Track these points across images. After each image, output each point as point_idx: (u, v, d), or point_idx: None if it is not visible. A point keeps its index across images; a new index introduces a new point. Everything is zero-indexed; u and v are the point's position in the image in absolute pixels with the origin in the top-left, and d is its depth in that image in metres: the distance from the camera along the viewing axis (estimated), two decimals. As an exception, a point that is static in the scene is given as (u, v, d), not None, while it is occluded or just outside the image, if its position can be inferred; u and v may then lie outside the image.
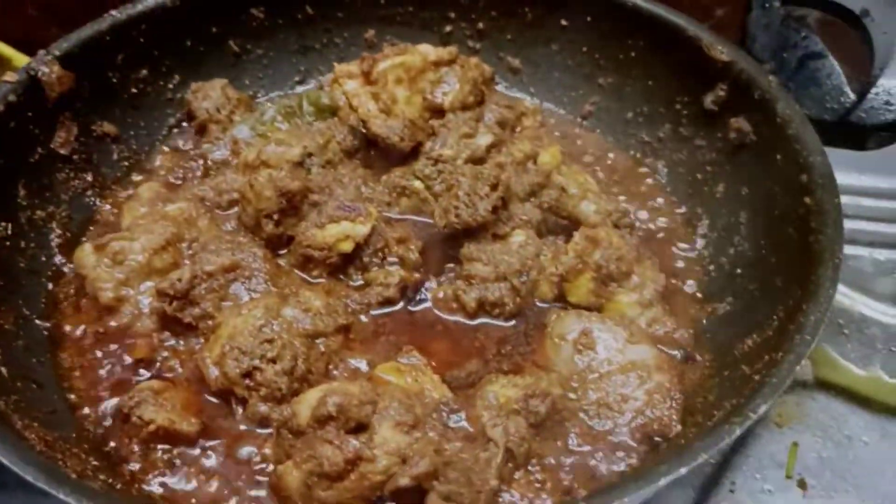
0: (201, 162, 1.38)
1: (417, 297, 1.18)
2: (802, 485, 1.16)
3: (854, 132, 1.15)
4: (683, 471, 0.79)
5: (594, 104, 1.49)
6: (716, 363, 1.08)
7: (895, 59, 1.14)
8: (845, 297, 1.36)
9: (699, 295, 1.20)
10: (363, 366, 1.10)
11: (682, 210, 1.33)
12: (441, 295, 1.18)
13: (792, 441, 1.19)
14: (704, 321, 1.16)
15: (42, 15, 1.76)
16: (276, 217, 1.20)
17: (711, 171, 1.30)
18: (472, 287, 1.15)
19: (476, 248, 1.18)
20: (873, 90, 1.13)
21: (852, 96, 1.15)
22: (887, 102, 1.12)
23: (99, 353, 1.11)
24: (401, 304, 1.18)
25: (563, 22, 1.48)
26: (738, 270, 1.18)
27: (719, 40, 1.28)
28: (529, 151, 1.30)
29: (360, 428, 0.95)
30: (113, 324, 1.13)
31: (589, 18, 1.45)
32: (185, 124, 1.46)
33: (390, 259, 1.21)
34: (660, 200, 1.35)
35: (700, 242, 1.27)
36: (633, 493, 0.77)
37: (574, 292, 1.15)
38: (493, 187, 1.18)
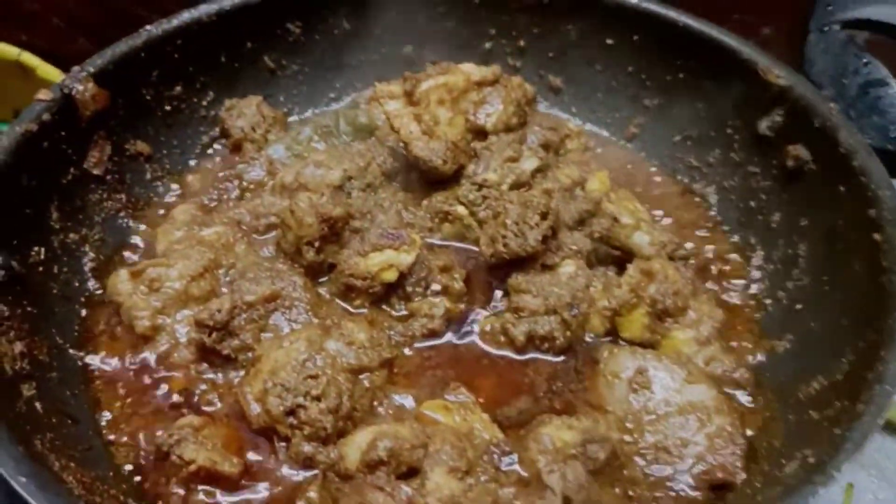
0: (236, 182, 1.34)
1: (463, 330, 1.14)
2: None
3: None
4: (764, 533, 0.75)
5: (639, 126, 1.45)
6: (779, 406, 1.03)
7: (963, 87, 1.09)
8: None
9: (756, 332, 1.16)
10: (409, 402, 1.06)
11: (735, 239, 1.28)
12: (488, 328, 1.14)
13: (847, 482, 1.15)
14: (764, 360, 1.11)
15: (68, 26, 1.73)
16: (317, 244, 1.16)
17: (766, 199, 1.26)
18: (520, 320, 1.11)
19: (524, 278, 1.14)
20: (940, 119, 1.08)
21: (918, 126, 1.11)
22: (954, 133, 1.08)
23: (134, 386, 1.07)
24: (446, 337, 1.14)
25: (608, 41, 1.43)
26: (798, 306, 1.13)
27: (776, 64, 1.23)
28: (577, 177, 1.26)
29: (412, 473, 0.91)
30: (149, 354, 1.10)
31: (636, 38, 1.40)
32: (218, 144, 1.43)
33: (433, 288, 1.17)
34: (710, 229, 1.30)
35: (756, 274, 1.22)
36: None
37: (627, 327, 1.11)
38: (543, 216, 1.14)
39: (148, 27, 1.31)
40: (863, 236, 1.04)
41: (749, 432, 1.01)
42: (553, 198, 1.18)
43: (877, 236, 1.02)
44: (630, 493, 0.96)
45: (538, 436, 0.98)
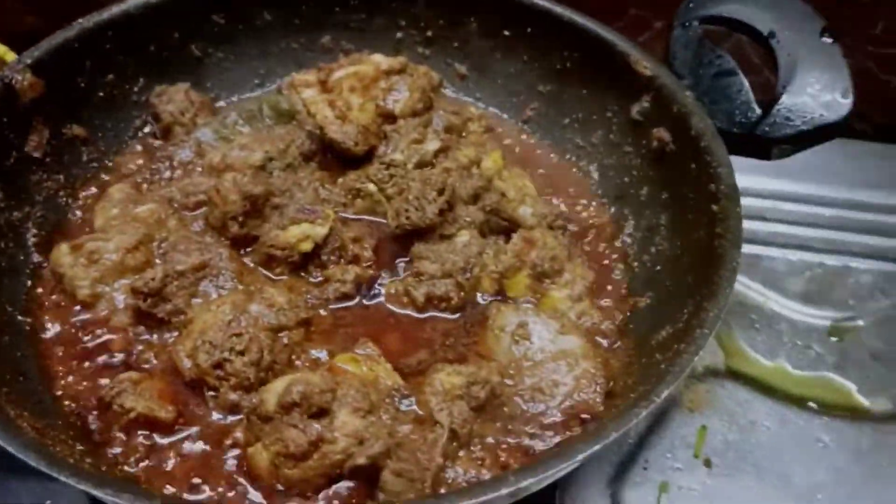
0: (167, 163, 1.46)
1: (371, 293, 1.30)
2: (708, 463, 1.31)
3: (760, 144, 1.29)
4: (598, 447, 0.93)
5: (534, 109, 1.61)
6: (635, 352, 1.21)
7: (796, 79, 1.28)
8: (759, 294, 1.51)
9: (624, 290, 1.34)
10: (323, 356, 1.21)
11: (612, 210, 1.46)
12: (393, 290, 1.30)
13: (701, 424, 1.34)
14: (628, 314, 1.30)
15: (16, 4, 1.82)
16: (241, 219, 1.30)
17: (637, 176, 1.44)
18: (421, 283, 1.28)
19: (425, 247, 1.30)
20: (776, 106, 1.27)
21: (758, 111, 1.29)
22: (787, 118, 1.26)
23: (78, 347, 1.21)
24: (357, 299, 1.29)
25: (506, 32, 1.59)
26: (658, 268, 1.32)
27: (645, 56, 1.41)
28: (474, 157, 1.43)
29: (322, 413, 1.06)
30: (90, 318, 1.23)
31: (529, 30, 1.57)
32: (150, 127, 1.55)
33: (346, 257, 1.32)
34: (591, 201, 1.48)
35: (626, 241, 1.41)
36: (555, 467, 0.91)
37: (513, 288, 1.29)
38: (440, 192, 1.30)
39: (80, 20, 1.43)
40: (706, 207, 1.23)
41: (610, 373, 1.20)
42: (451, 175, 1.35)
43: (714, 207, 1.20)
44: (509, 427, 1.14)
45: (431, 381, 1.15)
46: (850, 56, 1.29)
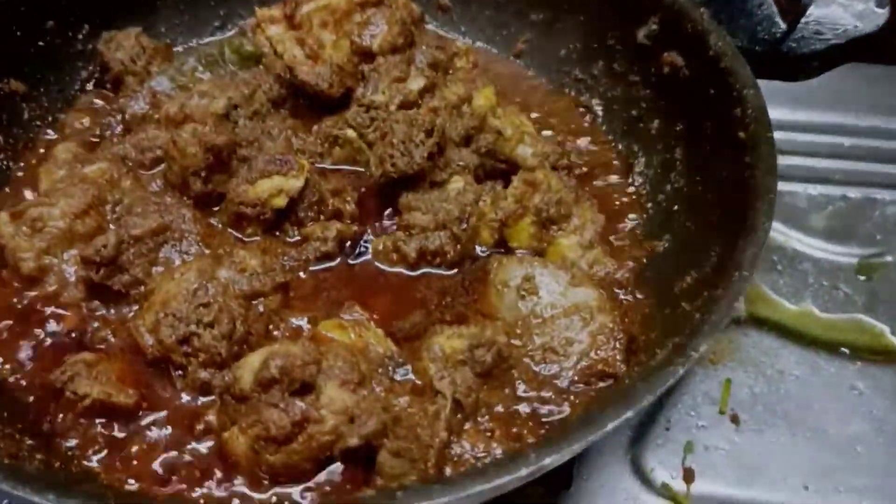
0: (119, 117, 1.31)
1: (357, 251, 1.16)
2: (735, 419, 1.19)
3: (786, 62, 1.15)
4: (630, 414, 0.80)
5: (526, 42, 1.47)
6: (656, 301, 1.09)
7: (824, -15, 1.14)
8: (779, 233, 1.38)
9: (638, 234, 1.21)
10: (305, 324, 1.08)
11: (619, 148, 1.33)
12: (381, 247, 1.16)
13: (725, 377, 1.22)
14: (644, 260, 1.17)
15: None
16: (203, 174, 1.15)
17: (646, 108, 1.30)
18: (411, 237, 1.14)
19: (414, 196, 1.16)
20: (804, 19, 1.13)
21: (783, 26, 1.15)
22: (817, 32, 1.13)
23: (25, 326, 1.06)
24: (340, 259, 1.15)
25: (492, -42, 1.44)
26: (676, 207, 1.19)
27: (650, -28, 1.26)
28: (463, 94, 1.28)
29: (306, 389, 0.93)
30: (38, 295, 1.09)
31: (518, -47, 1.41)
32: (98, 77, 1.38)
33: (326, 212, 1.18)
34: (596, 139, 1.34)
35: (638, 180, 1.27)
36: (581, 440, 0.78)
37: (515, 237, 1.15)
38: (429, 133, 1.15)
39: (11, -42, 1.26)
40: (730, 135, 1.10)
41: (629, 327, 1.07)
42: (439, 115, 1.20)
43: (741, 134, 1.07)
44: (519, 393, 1.01)
45: (429, 346, 1.01)
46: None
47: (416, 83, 1.28)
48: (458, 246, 1.13)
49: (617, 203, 1.25)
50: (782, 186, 1.45)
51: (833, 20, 1.12)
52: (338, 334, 1.04)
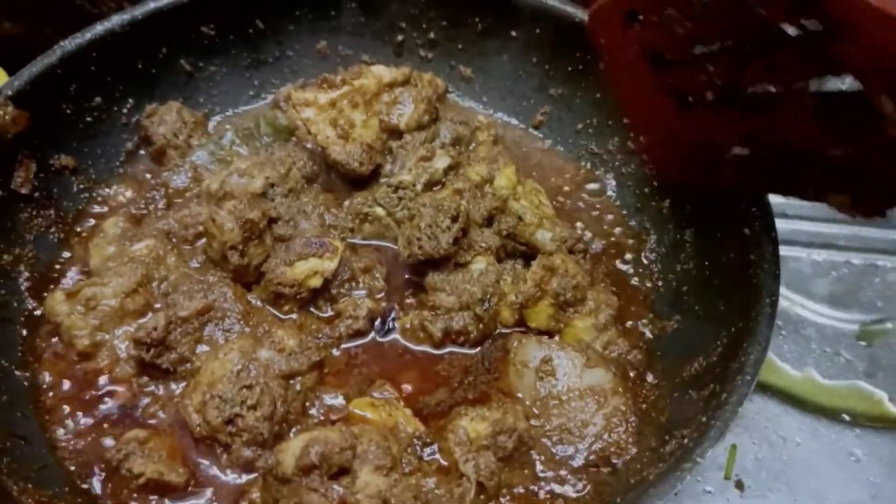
0: (163, 191, 1.39)
1: (385, 328, 1.24)
2: (740, 486, 1.27)
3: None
4: (640, 512, 0.88)
5: (545, 114, 1.53)
6: (667, 385, 1.16)
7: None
8: (784, 298, 1.45)
9: (649, 312, 1.28)
10: (339, 401, 1.15)
11: (632, 224, 1.40)
12: (408, 325, 1.24)
13: (731, 443, 1.29)
14: (655, 340, 1.24)
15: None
16: (240, 247, 1.23)
17: (658, 186, 1.37)
18: (437, 317, 1.21)
19: (439, 277, 1.24)
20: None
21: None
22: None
23: (80, 401, 1.15)
24: (370, 336, 1.23)
25: (513, 33, 1.51)
26: (685, 289, 1.26)
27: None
28: (486, 175, 1.35)
29: (342, 472, 1.01)
30: (91, 369, 1.17)
31: (538, 31, 1.48)
32: (142, 151, 1.46)
33: (357, 287, 1.26)
34: (608, 213, 1.42)
35: (650, 257, 1.34)
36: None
37: (534, 318, 1.22)
38: (454, 219, 1.23)
39: (63, 42, 1.33)
40: (735, 228, 1.16)
41: (640, 410, 1.14)
42: (463, 198, 1.28)
43: (746, 230, 1.14)
44: (538, 473, 1.09)
45: (455, 428, 1.09)
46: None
47: (441, 162, 1.36)
48: (481, 325, 1.21)
49: (629, 279, 1.33)
50: (788, 251, 1.54)
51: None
52: (370, 413, 1.12)
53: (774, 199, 1.14)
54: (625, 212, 1.42)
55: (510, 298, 1.22)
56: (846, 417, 1.36)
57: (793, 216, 1.58)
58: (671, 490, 0.89)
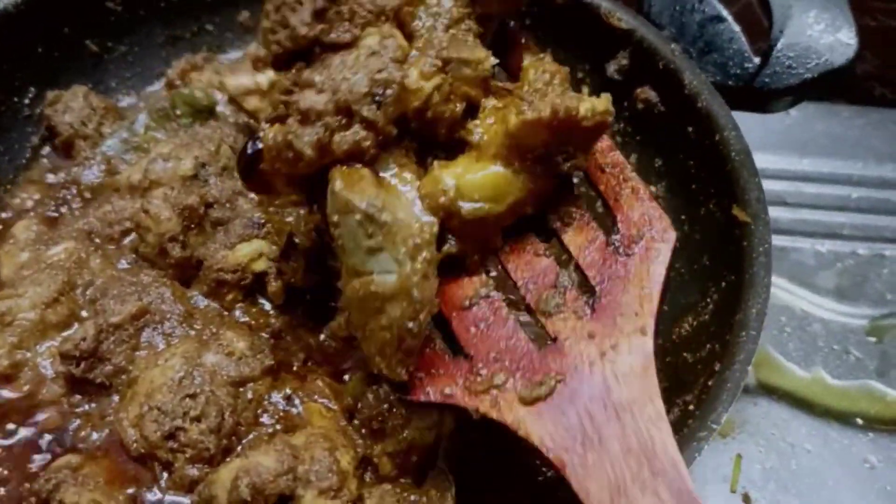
0: (75, 189, 1.23)
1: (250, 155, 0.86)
2: (747, 499, 1.18)
3: (759, 97, 1.15)
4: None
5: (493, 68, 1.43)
6: (658, 349, 1.07)
7: (793, 20, 1.13)
8: (786, 291, 1.36)
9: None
10: (297, 406, 1.03)
11: (597, 182, 1.31)
12: (271, 142, 0.83)
13: (736, 453, 1.20)
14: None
15: None
16: (181, 238, 1.10)
17: (622, 142, 1.28)
18: (306, 127, 0.81)
19: (310, 71, 0.83)
20: (774, 53, 1.12)
21: (755, 61, 1.15)
22: (789, 66, 1.12)
23: (3, 432, 1.00)
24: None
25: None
26: (661, 247, 1.18)
27: (618, 6, 1.24)
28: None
29: (285, 499, 0.88)
30: (13, 395, 1.02)
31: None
32: (48, 145, 1.31)
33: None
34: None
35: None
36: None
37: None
38: None
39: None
40: (714, 177, 1.09)
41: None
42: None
43: (728, 178, 1.06)
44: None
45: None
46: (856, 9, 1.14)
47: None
48: (380, 137, 0.80)
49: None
50: (789, 242, 1.44)
51: (803, 54, 1.11)
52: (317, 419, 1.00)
53: (771, 187, 1.05)
54: (587, 172, 1.33)
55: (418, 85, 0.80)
56: (858, 421, 1.27)
57: (793, 204, 1.48)
58: (690, 461, 0.80)
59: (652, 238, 0.86)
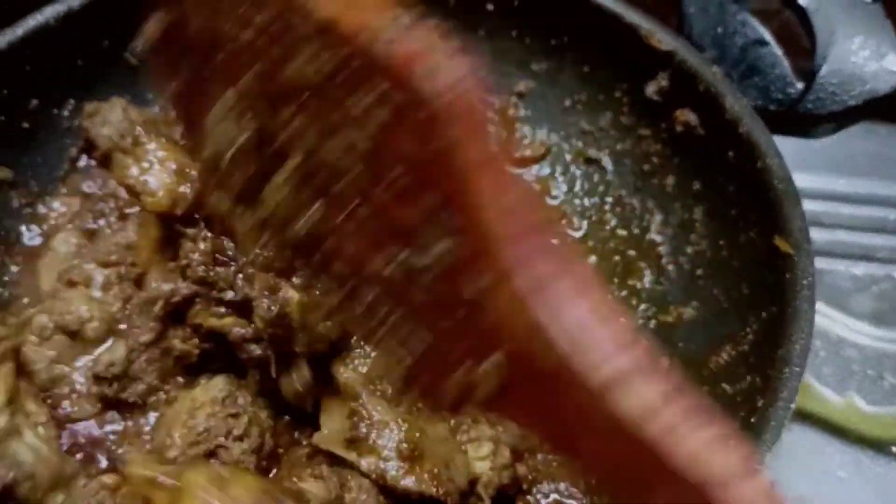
0: (112, 203, 1.24)
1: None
2: None
3: (801, 122, 1.13)
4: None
5: (529, 89, 1.42)
6: (691, 377, 1.07)
7: (836, 46, 1.12)
8: (821, 315, 1.29)
9: (661, 297, 1.19)
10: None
11: (633, 202, 1.30)
12: None
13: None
14: (671, 327, 1.15)
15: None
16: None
17: (659, 163, 1.27)
18: None
19: None
20: (817, 80, 1.11)
21: (799, 86, 1.13)
22: (833, 93, 1.10)
23: (41, 445, 1.01)
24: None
25: (489, 6, 1.39)
26: (699, 272, 1.17)
27: (659, 28, 1.23)
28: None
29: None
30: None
31: (516, 3, 1.37)
32: (86, 157, 1.31)
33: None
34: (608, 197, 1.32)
35: (657, 238, 1.25)
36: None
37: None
38: None
39: (-12, 42, 1.18)
40: (754, 203, 1.07)
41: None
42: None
43: (769, 206, 1.04)
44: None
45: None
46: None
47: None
48: None
49: (638, 262, 1.24)
50: (825, 265, 1.39)
51: (847, 81, 1.10)
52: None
53: (807, 207, 1.03)
54: (623, 192, 1.32)
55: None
56: (893, 449, 1.24)
57: (829, 225, 1.44)
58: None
59: None
